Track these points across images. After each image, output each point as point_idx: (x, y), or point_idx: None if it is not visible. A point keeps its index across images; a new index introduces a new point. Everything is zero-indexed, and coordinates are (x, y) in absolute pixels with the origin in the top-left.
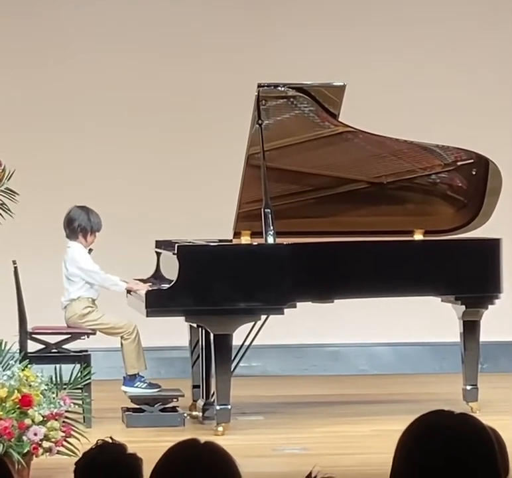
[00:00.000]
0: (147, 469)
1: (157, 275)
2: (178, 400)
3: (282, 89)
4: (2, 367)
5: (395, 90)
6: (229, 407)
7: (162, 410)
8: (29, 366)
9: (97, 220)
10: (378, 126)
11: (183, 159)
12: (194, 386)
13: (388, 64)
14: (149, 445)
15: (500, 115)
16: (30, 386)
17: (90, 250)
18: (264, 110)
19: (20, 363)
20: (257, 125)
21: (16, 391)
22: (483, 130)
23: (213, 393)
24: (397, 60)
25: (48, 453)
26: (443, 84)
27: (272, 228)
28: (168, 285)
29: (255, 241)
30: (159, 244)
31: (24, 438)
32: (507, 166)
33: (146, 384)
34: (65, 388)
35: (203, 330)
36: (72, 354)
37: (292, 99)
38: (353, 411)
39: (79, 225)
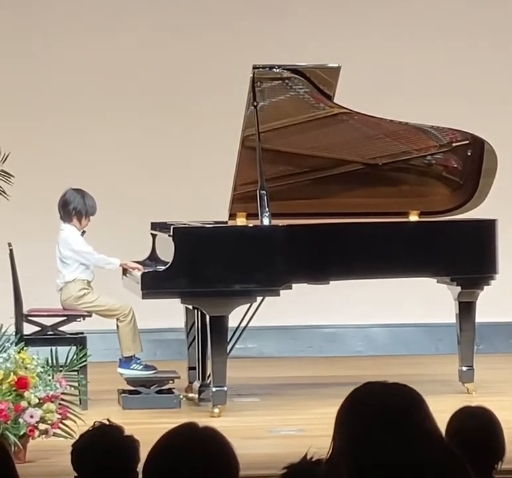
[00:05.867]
0: (144, 450)
1: (153, 257)
2: (174, 382)
3: (277, 70)
4: None
5: (391, 71)
6: (225, 388)
7: (158, 392)
8: (25, 348)
9: (92, 204)
10: (374, 108)
11: (179, 141)
12: (190, 368)
13: (385, 45)
14: (145, 427)
15: (500, 95)
16: (26, 368)
17: (83, 232)
18: (259, 92)
19: (16, 345)
20: (252, 107)
21: (12, 373)
22: (484, 111)
23: (209, 375)
24: (393, 40)
25: (44, 435)
26: (441, 64)
27: (267, 209)
28: (163, 267)
29: (251, 223)
30: (154, 226)
31: (21, 420)
32: (507, 147)
33: (142, 366)
34: (61, 370)
35: (199, 312)
36: (68, 336)
37: (287, 81)
38: (348, 392)
39: (75, 208)
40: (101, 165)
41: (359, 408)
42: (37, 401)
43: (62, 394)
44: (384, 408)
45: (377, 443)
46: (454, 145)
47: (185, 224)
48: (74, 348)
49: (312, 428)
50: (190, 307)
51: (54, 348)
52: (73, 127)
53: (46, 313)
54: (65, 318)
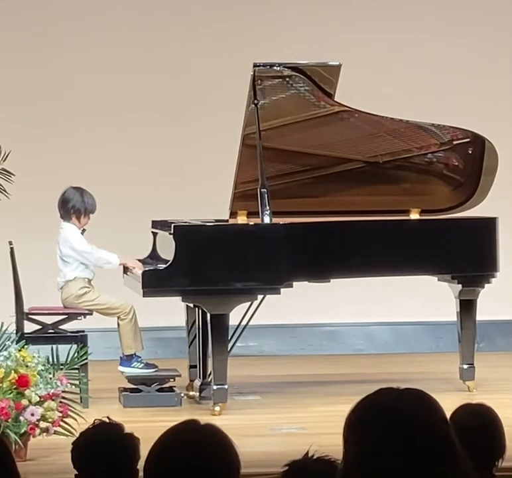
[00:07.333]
0: (144, 448)
1: (153, 255)
2: (174, 380)
3: (278, 68)
4: None
5: (392, 69)
6: (226, 387)
7: (159, 390)
8: (26, 346)
9: (91, 202)
10: (374, 106)
11: (179, 140)
12: (191, 366)
13: (385, 43)
14: (146, 424)
15: (501, 92)
16: (27, 366)
17: (83, 231)
18: (260, 90)
19: (16, 344)
20: (253, 105)
21: (13, 371)
22: (484, 109)
23: (210, 373)
24: (394, 38)
25: (45, 433)
26: (441, 62)
27: (268, 207)
28: (164, 265)
29: (251, 221)
30: (155, 224)
31: (21, 418)
32: (508, 145)
33: (143, 364)
34: (62, 369)
35: (200, 310)
36: (69, 334)
37: (287, 79)
38: (350, 390)
39: (73, 206)
40: (102, 164)
41: (374, 415)
42: (38, 399)
43: (63, 392)
44: (401, 414)
45: (395, 451)
46: (455, 143)
47: (186, 222)
48: (75, 346)
49: (313, 426)
50: (191, 305)
51: (54, 346)
52: (73, 127)
53: (46, 311)
54: (66, 316)
